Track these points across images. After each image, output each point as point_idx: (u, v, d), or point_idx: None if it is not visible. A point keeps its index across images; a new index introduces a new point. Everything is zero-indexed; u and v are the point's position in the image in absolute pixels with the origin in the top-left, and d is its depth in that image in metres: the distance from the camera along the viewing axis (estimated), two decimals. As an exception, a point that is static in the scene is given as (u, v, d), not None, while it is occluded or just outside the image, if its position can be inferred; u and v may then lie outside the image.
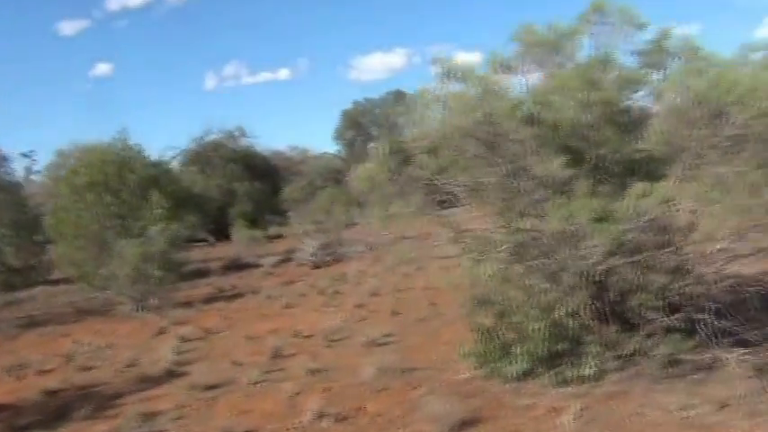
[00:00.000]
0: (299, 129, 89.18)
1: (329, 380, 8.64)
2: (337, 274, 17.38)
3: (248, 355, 10.26)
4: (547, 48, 7.26)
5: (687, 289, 7.10)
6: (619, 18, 7.28)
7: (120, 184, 19.71)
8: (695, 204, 6.28)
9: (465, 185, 7.33)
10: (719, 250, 6.72)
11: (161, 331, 12.83)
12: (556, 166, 6.43)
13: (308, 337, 11.19)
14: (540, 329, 7.55)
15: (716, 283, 7.09)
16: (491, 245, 7.59)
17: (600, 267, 6.88)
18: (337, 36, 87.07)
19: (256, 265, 21.49)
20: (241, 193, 31.96)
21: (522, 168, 6.81)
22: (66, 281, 20.31)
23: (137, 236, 17.24)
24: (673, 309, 7.35)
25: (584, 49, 7.42)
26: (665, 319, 7.28)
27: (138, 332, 13.17)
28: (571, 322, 7.57)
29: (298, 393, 8.18)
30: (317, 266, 19.93)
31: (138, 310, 15.51)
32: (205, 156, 34.49)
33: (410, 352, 9.55)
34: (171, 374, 9.69)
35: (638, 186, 6.20)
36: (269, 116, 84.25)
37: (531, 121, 6.95)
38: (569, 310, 7.43)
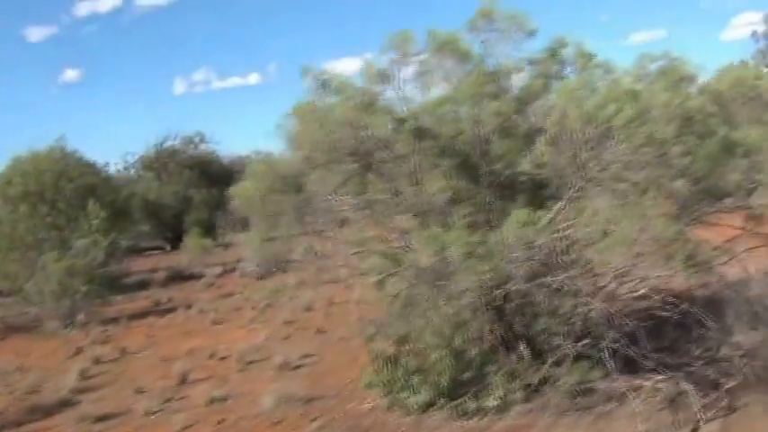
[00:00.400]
0: (269, 133, 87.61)
1: (227, 410, 8.07)
2: (278, 286, 16.75)
3: (155, 380, 9.66)
4: (429, 56, 6.69)
5: (594, 313, 6.58)
6: (508, 24, 6.70)
7: (56, 193, 19.09)
8: (582, 233, 5.76)
9: (355, 204, 6.78)
10: (619, 275, 6.21)
11: (78, 352, 12.15)
12: (435, 189, 5.89)
13: (223, 358, 10.60)
14: (442, 357, 7.04)
15: (626, 307, 6.60)
16: (391, 265, 7.06)
17: (498, 292, 6.37)
18: (308, 41, 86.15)
19: (201, 276, 20.79)
20: (197, 200, 31.13)
21: (399, 191, 6.28)
22: (5, 294, 19.49)
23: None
24: (582, 334, 6.86)
25: (472, 57, 6.81)
26: (574, 345, 6.79)
27: (56, 352, 12.48)
28: (474, 350, 7.05)
29: (189, 426, 7.64)
30: (260, 277, 19.27)
31: (65, 327, 14.77)
32: (161, 162, 33.68)
33: (323, 376, 9.01)
34: (67, 403, 9.06)
35: (521, 213, 5.64)
36: (239, 120, 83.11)
37: (419, 135, 6.40)
38: (470, 336, 6.91)
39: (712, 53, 68.90)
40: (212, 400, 8.38)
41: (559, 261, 6.05)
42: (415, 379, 7.04)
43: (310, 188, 6.74)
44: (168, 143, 34.57)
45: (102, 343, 12.75)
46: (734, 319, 7.59)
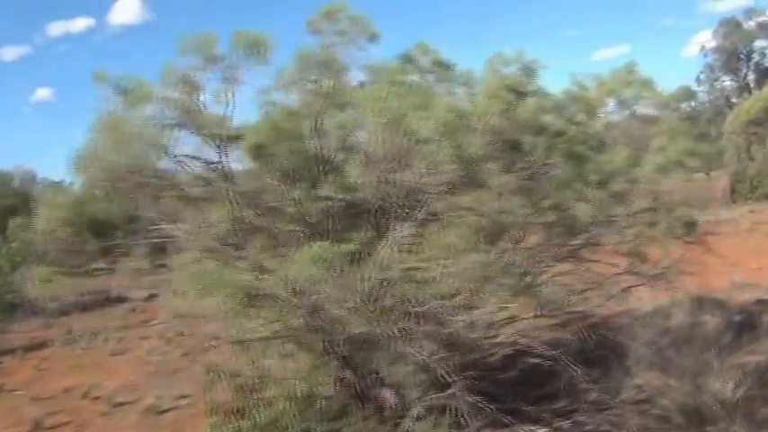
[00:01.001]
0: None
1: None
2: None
3: (6, 428, 8.61)
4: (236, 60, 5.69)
5: (457, 360, 5.65)
6: (350, 27, 5.74)
7: (-25, 215, 18.10)
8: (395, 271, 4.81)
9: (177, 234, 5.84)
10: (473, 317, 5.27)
11: (-52, 391, 11.06)
12: (218, 217, 4.95)
13: (96, 398, 9.56)
14: (286, 409, 6.07)
15: (493, 353, 5.68)
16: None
17: (341, 337, 5.43)
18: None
19: (128, 299, 19.69)
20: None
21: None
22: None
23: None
24: (444, 384, 5.91)
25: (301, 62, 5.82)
26: (437, 396, 5.84)
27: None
28: (322, 402, 6.09)
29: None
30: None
31: (-42, 358, 13.64)
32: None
33: (187, 422, 8.05)
34: None
35: (313, 249, 4.68)
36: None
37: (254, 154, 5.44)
38: (315, 386, 5.95)
39: (674, 68, 70.07)
40: (53, 455, 7.40)
41: (384, 304, 5.10)
42: (254, 435, 6.07)
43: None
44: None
45: (-15, 379, 11.67)
46: (633, 360, 6.72)
